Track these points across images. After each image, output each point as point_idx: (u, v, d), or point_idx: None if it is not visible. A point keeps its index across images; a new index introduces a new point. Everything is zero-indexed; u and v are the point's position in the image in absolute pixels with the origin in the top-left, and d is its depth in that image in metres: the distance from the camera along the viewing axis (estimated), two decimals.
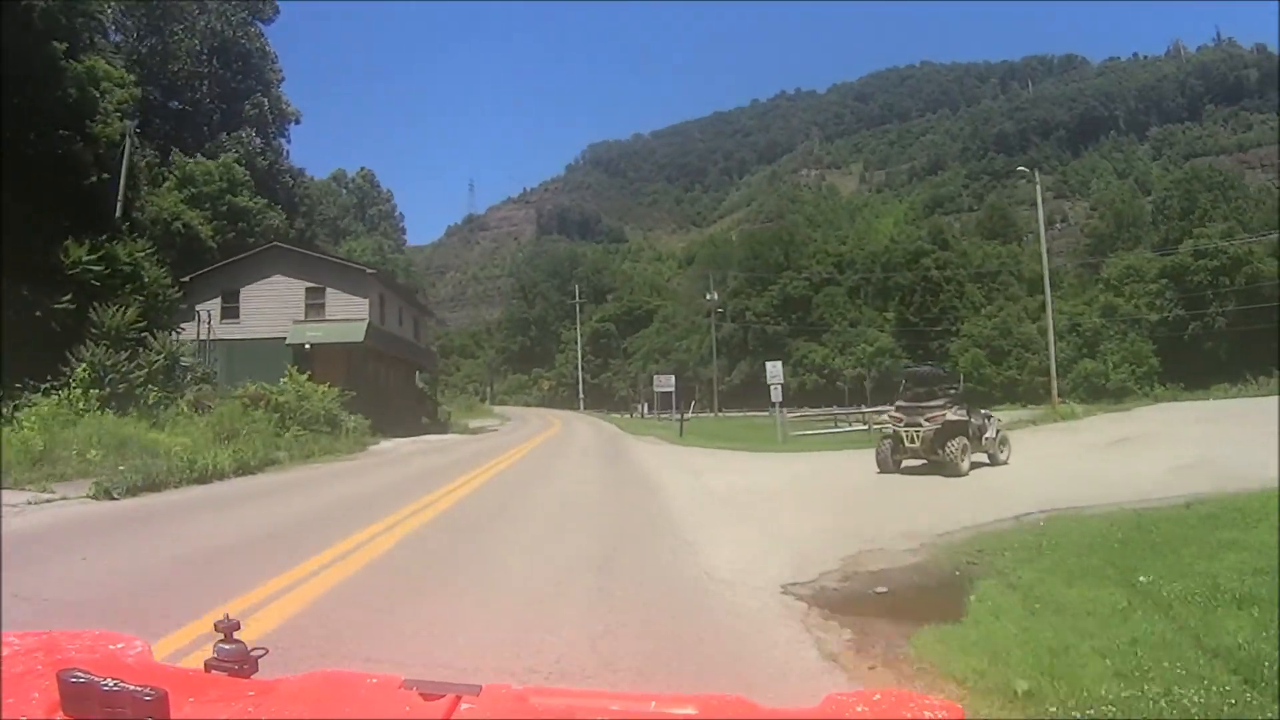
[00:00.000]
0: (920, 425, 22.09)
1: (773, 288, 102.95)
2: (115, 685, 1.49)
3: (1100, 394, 71.05)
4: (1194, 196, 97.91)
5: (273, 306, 49.73)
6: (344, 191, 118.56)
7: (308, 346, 47.47)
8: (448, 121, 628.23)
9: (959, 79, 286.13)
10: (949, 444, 21.56)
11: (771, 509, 16.38)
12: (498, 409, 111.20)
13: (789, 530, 13.67)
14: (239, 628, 2.01)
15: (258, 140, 72.26)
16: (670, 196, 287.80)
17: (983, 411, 25.34)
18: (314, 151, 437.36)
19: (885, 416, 25.68)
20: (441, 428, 63.10)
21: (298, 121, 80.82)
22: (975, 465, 22.18)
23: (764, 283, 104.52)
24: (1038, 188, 56.19)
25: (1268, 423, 26.04)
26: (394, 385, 58.75)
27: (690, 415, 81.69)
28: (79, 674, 1.53)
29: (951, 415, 22.37)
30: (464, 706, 1.66)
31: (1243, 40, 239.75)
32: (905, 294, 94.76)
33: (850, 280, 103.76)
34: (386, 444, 39.67)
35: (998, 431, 24.27)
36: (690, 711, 1.78)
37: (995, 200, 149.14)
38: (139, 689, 1.49)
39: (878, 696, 1.83)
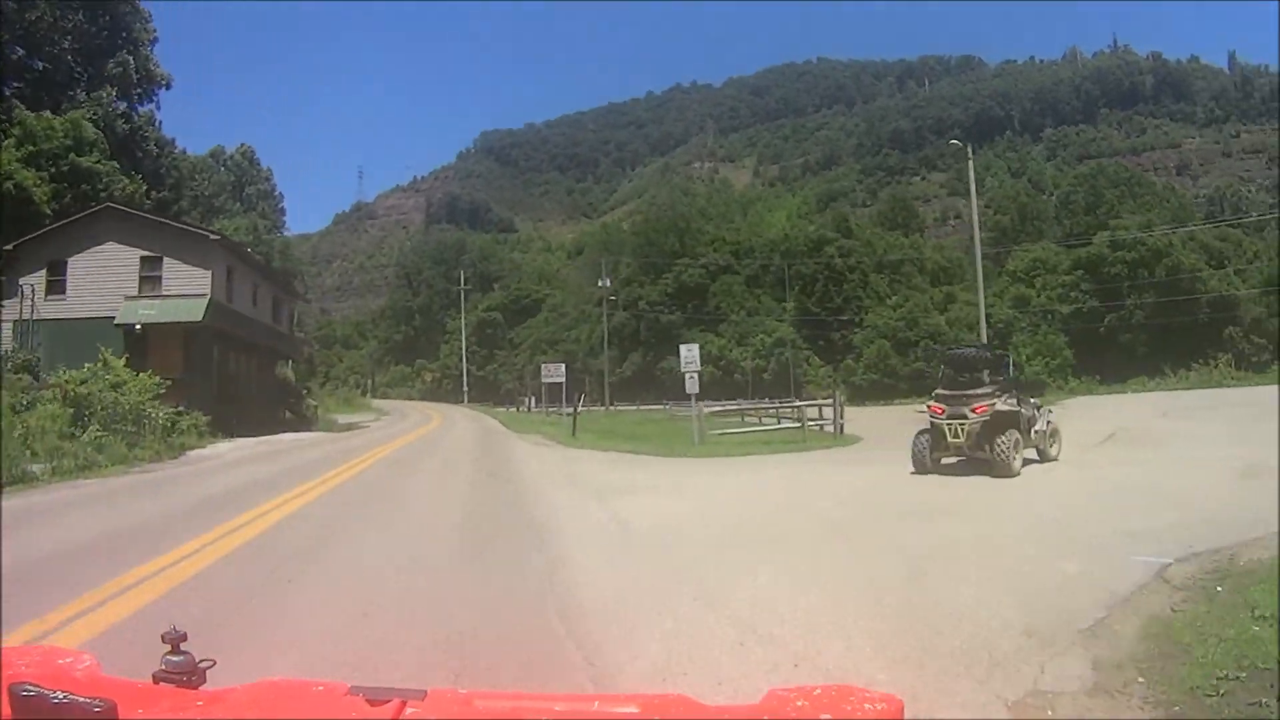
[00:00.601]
0: (966, 417, 19.21)
1: (667, 275, 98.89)
2: (65, 698, 1.54)
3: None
4: (1099, 192, 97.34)
5: (103, 280, 41.96)
6: (221, 169, 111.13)
7: (138, 327, 40.07)
8: (338, 105, 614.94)
9: (856, 76, 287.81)
10: (999, 439, 18.63)
11: (784, 591, 8.49)
12: (377, 403, 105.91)
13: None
14: (185, 639, 1.98)
15: (121, 103, 64.78)
16: (561, 187, 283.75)
17: (1032, 400, 21.75)
18: (199, 133, 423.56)
19: (924, 407, 21.83)
20: (307, 424, 56.03)
21: (168, 86, 72.79)
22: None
23: (658, 270, 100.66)
24: (970, 164, 51.78)
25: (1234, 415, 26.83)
26: (248, 376, 51.21)
27: (581, 409, 77.56)
28: (29, 688, 1.56)
29: (1002, 405, 19.42)
30: (409, 711, 1.68)
31: (1139, 47, 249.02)
32: (807, 283, 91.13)
33: (749, 268, 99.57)
34: (222, 446, 32.74)
35: (1048, 423, 21.28)
36: (633, 711, 1.82)
37: (895, 192, 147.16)
38: (89, 700, 1.53)
39: (818, 691, 1.81)
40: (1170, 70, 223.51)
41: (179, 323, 41.16)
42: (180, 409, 34.84)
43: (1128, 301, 75.55)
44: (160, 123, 72.08)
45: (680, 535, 12.04)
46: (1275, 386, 49.33)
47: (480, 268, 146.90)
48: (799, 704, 1.73)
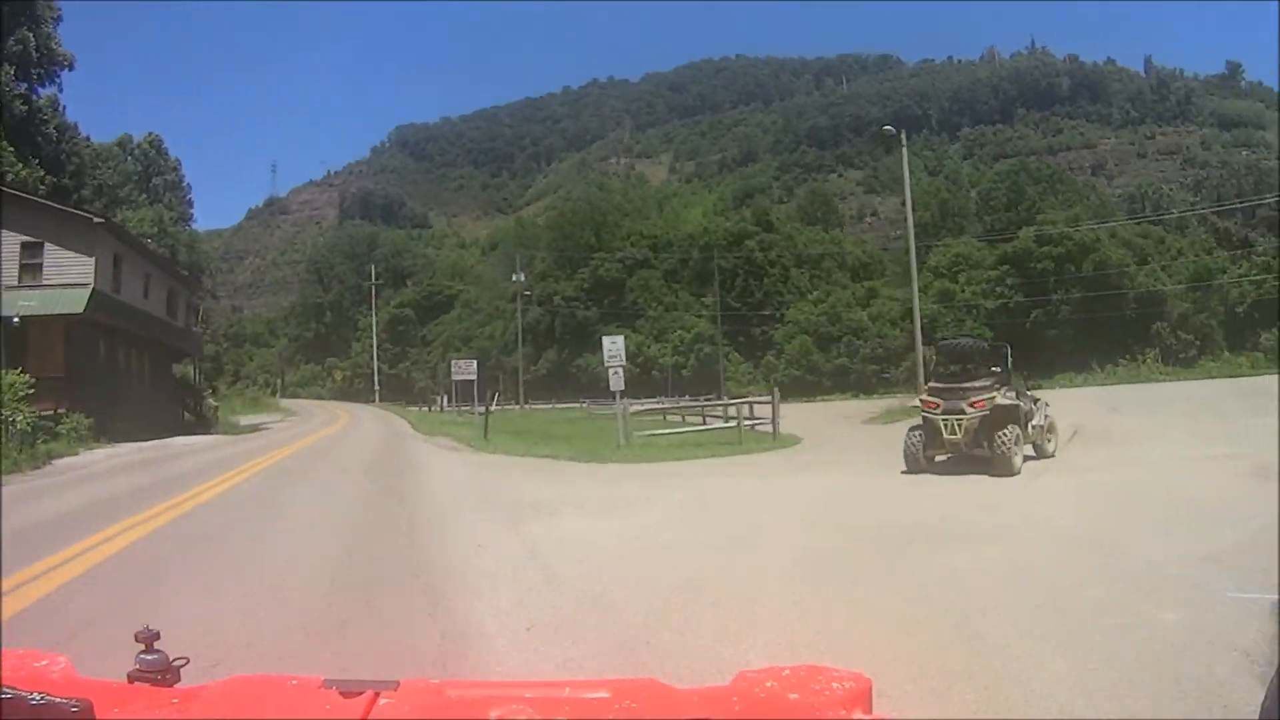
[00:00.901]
0: (964, 412, 18.11)
1: (583, 270, 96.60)
2: (42, 699, 1.55)
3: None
4: (1021, 188, 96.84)
5: None
6: (128, 158, 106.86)
7: (16, 319, 36.13)
8: (251, 98, 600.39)
9: (774, 73, 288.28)
10: (999, 435, 17.54)
11: None
12: (286, 403, 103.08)
13: None
14: (159, 637, 1.99)
15: (21, 84, 60.61)
16: (476, 182, 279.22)
17: (1029, 393, 21.08)
18: (106, 122, 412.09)
19: (917, 400, 21.12)
20: (206, 427, 52.82)
21: (70, 67, 68.77)
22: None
23: (574, 265, 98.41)
24: (904, 150, 50.47)
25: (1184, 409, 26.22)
26: (140, 374, 47.76)
27: (495, 408, 75.46)
28: (6, 690, 1.56)
29: (1002, 399, 18.41)
30: (382, 702, 1.70)
31: (1056, 50, 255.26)
32: (727, 277, 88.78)
33: (667, 263, 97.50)
34: (99, 454, 29.40)
35: (1046, 418, 20.38)
36: (603, 695, 1.83)
37: (813, 188, 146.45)
38: (65, 701, 1.55)
39: (787, 672, 1.85)
40: (1087, 72, 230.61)
41: (59, 315, 37.43)
42: (61, 411, 32.08)
43: (1054, 297, 75.20)
44: (64, 107, 68.13)
45: (619, 586, 8.86)
46: (1209, 381, 49.33)
47: (393, 263, 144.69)
48: (768, 684, 1.76)
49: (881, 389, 71.30)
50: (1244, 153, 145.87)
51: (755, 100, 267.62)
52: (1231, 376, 52.31)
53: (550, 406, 73.14)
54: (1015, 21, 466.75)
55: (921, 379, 46.53)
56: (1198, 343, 68.25)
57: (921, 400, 19.78)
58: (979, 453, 17.94)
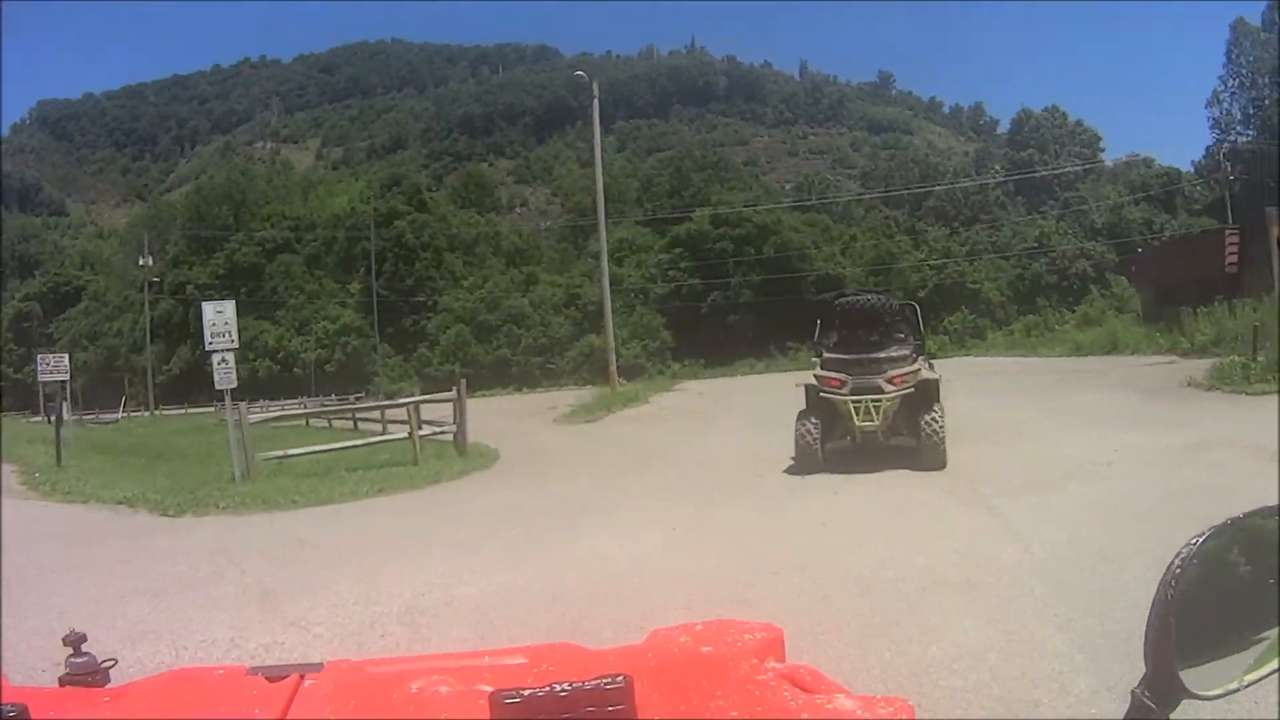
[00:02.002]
0: (881, 390, 13.97)
1: (219, 254, 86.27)
2: None
3: (605, 372, 64.60)
4: (686, 175, 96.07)
5: None
6: None
7: None
8: None
9: (430, 58, 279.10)
10: (926, 418, 13.68)
11: None
12: None
13: None
14: (85, 639, 1.97)
15: None
16: (117, 165, 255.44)
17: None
18: None
19: (812, 376, 15.14)
20: None
21: None
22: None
23: (209, 248, 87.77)
24: (595, 102, 45.86)
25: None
26: None
27: (121, 415, 66.58)
28: None
29: (927, 373, 14.65)
30: (307, 683, 1.70)
31: (714, 50, 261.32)
32: (375, 261, 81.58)
33: (310, 247, 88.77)
34: None
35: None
36: (521, 661, 1.83)
37: (471, 169, 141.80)
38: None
39: (699, 627, 1.88)
40: (744, 73, 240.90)
41: None
42: None
43: (734, 279, 73.39)
44: None
45: None
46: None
47: (19, 251, 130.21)
48: (681, 640, 1.79)
49: (546, 382, 67.64)
50: (891, 154, 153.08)
51: (409, 86, 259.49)
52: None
53: (184, 412, 64.20)
54: (676, 20, 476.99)
55: (614, 371, 42.00)
56: None
57: (817, 376, 14.82)
58: (900, 441, 14.29)
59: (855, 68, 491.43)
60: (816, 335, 16.40)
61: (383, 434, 24.66)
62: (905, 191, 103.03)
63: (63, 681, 1.89)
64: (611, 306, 65.72)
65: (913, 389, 14.16)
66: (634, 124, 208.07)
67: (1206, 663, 1.34)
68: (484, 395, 60.21)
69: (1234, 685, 1.37)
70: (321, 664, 1.74)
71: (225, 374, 18.94)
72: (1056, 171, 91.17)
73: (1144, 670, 1.25)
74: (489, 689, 1.41)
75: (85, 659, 1.92)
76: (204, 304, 20.28)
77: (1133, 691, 1.26)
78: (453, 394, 22.72)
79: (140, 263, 78.74)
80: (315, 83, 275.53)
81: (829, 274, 71.45)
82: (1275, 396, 18.08)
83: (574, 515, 11.99)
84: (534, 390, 63.10)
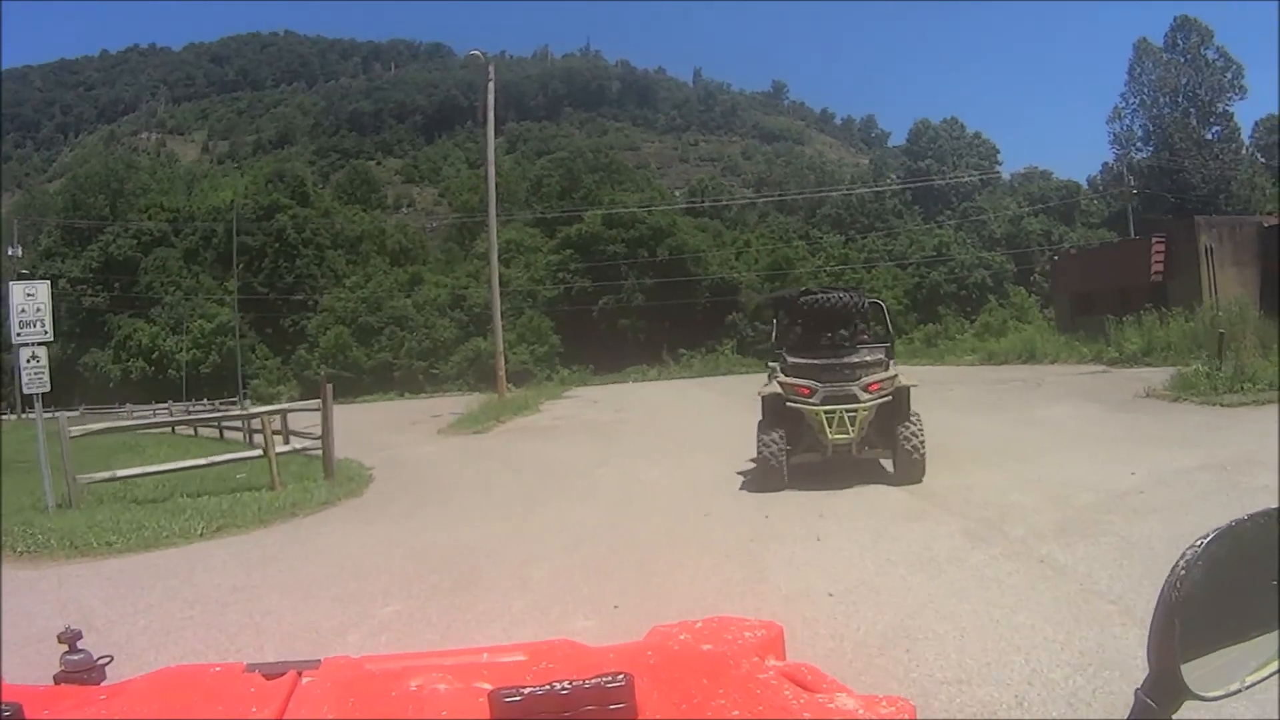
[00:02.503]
0: (856, 399, 12.58)
1: (93, 246, 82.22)
2: None
3: (492, 377, 62.82)
4: (577, 176, 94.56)
5: None
6: None
7: None
8: None
9: (322, 53, 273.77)
10: (903, 427, 12.46)
11: None
12: None
13: None
14: (81, 636, 1.95)
15: None
16: None
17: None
18: None
19: (774, 383, 13.33)
20: None
21: None
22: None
23: (84, 239, 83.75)
24: (490, 85, 42.95)
25: None
26: None
27: None
28: None
29: (904, 379, 13.19)
30: (305, 681, 1.69)
31: (608, 54, 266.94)
32: (254, 258, 78.08)
33: (188, 241, 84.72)
34: None
35: None
36: (520, 658, 1.82)
37: (358, 165, 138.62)
38: None
39: (699, 624, 1.86)
40: (637, 78, 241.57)
41: None
42: None
43: (626, 282, 71.93)
44: None
45: None
46: None
47: None
48: (681, 637, 1.77)
49: (430, 387, 65.45)
50: (786, 162, 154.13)
51: (299, 80, 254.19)
52: None
53: (52, 415, 61.55)
54: (571, 21, 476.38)
55: (503, 376, 39.10)
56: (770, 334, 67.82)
57: (782, 384, 13.07)
58: (875, 453, 13.17)
59: (748, 76, 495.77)
60: (774, 337, 14.87)
61: (248, 446, 21.53)
62: (800, 197, 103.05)
63: (58, 679, 1.86)
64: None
65: (889, 396, 12.94)
66: (525, 125, 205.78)
67: (1209, 664, 1.35)
68: (365, 401, 57.93)
69: (1236, 686, 1.38)
70: (319, 661, 1.71)
71: (36, 374, 15.05)
72: (954, 181, 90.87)
73: (1147, 673, 1.26)
74: (488, 687, 1.41)
75: (81, 656, 1.88)
76: (11, 284, 15.73)
77: (1135, 692, 1.27)
78: (313, 403, 19.11)
79: (10, 254, 75.46)
80: (204, 73, 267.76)
81: (724, 279, 70.97)
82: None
83: (461, 580, 8.74)
84: (417, 396, 61.07)
